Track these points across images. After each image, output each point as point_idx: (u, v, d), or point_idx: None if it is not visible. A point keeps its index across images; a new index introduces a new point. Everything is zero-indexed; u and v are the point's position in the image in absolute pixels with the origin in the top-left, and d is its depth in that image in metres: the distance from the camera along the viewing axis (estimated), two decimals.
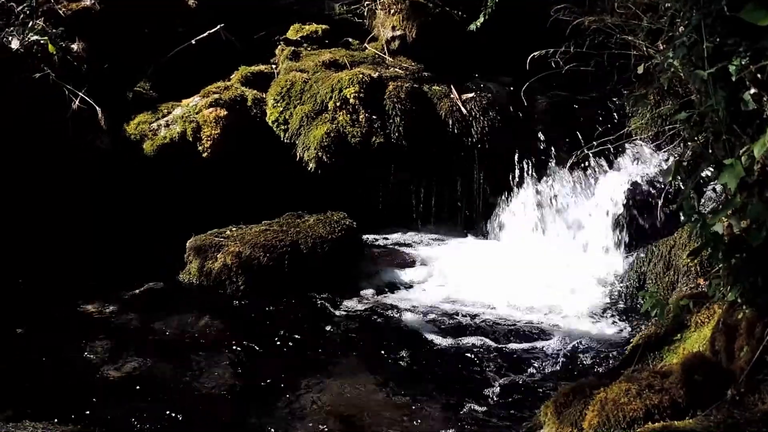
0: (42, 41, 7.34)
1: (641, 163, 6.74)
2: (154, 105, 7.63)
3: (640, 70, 4.70)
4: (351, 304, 6.07)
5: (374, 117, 7.05)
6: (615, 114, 7.17)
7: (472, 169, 7.17)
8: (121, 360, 5.24)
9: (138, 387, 4.96)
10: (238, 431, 4.63)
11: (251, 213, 6.78)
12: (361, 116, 7.03)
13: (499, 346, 5.54)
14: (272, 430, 4.57)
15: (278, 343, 5.52)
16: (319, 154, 7.02)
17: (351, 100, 7.02)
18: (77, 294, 6.07)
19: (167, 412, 4.65)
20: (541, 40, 6.00)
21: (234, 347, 5.41)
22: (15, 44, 7.41)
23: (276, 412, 4.77)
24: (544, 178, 6.96)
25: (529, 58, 5.76)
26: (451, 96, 7.27)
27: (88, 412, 4.58)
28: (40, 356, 5.21)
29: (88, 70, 7.70)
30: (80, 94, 7.33)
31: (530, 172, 7.00)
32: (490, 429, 4.64)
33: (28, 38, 7.41)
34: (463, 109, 7.13)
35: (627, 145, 6.75)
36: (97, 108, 7.28)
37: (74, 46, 7.68)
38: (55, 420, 4.09)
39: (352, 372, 5.23)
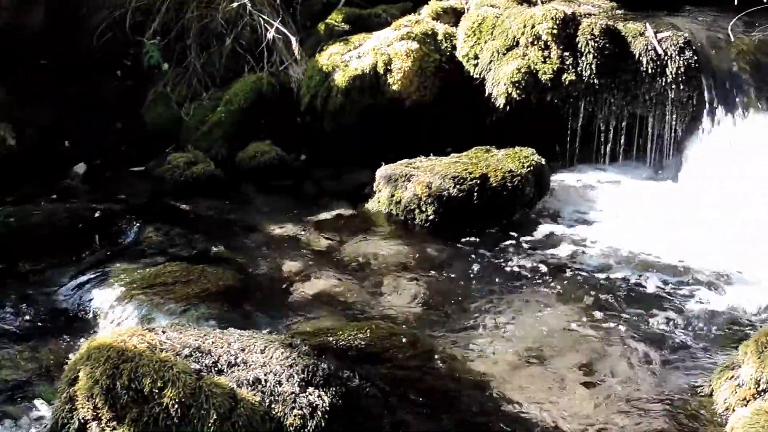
0: None
1: None
2: (345, 37, 7.73)
3: None
4: (536, 239, 6.06)
5: (566, 54, 6.93)
6: None
7: (665, 109, 6.97)
8: (312, 277, 5.41)
9: (327, 302, 5.13)
10: None
11: (437, 145, 6.83)
12: (552, 53, 6.93)
13: (687, 289, 5.42)
14: (453, 352, 4.61)
15: (463, 272, 5.55)
16: (509, 89, 6.98)
17: (543, 36, 6.92)
18: (273, 219, 6.28)
19: None
20: None
21: (419, 273, 5.50)
22: None
23: (458, 337, 4.82)
24: (744, 120, 6.71)
25: None
26: (646, 35, 7.06)
27: (285, 323, 4.76)
28: (241, 273, 5.42)
29: (282, 1, 7.89)
30: (275, 23, 7.50)
31: (728, 114, 6.77)
32: (681, 368, 4.56)
33: None
34: (658, 48, 6.92)
35: None
36: (292, 37, 7.44)
37: None
38: (256, 330, 4.22)
39: (533, 306, 5.23)
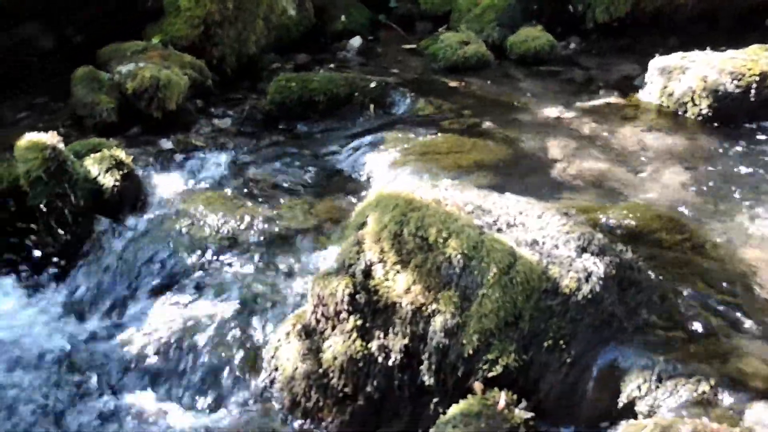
0: None
1: None
2: None
3: None
4: None
5: None
6: None
7: None
8: (579, 159, 5.45)
9: (594, 184, 5.17)
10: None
11: (712, 41, 6.64)
12: None
13: None
14: (721, 239, 4.55)
15: (734, 166, 5.40)
16: None
17: None
18: (541, 102, 6.38)
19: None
20: None
21: (688, 163, 5.42)
22: None
23: (726, 226, 4.71)
24: None
25: None
26: None
27: (553, 199, 4.83)
28: (510, 149, 5.55)
29: None
30: None
31: None
32: None
33: None
34: None
35: None
36: None
37: None
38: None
39: None
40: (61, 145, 4.74)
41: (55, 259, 4.80)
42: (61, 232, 4.78)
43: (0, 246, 4.83)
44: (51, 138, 4.72)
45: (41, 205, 4.71)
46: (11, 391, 4.09)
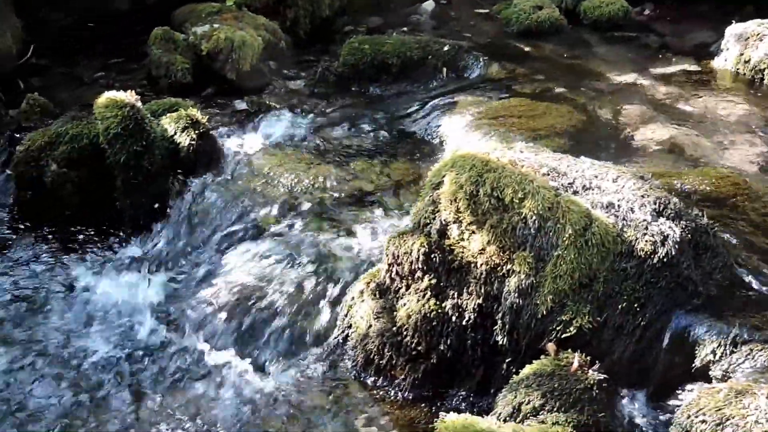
0: None
1: None
2: None
3: None
4: None
5: None
6: None
7: None
8: (653, 125, 5.43)
9: (668, 149, 5.15)
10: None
11: None
12: None
13: None
14: None
15: None
16: None
17: None
18: (615, 68, 6.34)
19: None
20: None
21: (761, 132, 5.36)
22: None
23: None
24: None
25: None
26: None
27: (627, 164, 4.80)
28: (583, 114, 5.53)
29: None
30: None
31: None
32: None
33: None
34: None
35: None
36: None
37: None
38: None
39: None
40: (140, 104, 4.80)
41: (132, 216, 4.88)
42: (138, 189, 4.85)
43: (80, 203, 4.93)
44: (129, 96, 4.79)
45: (120, 162, 4.77)
46: (92, 341, 4.20)
